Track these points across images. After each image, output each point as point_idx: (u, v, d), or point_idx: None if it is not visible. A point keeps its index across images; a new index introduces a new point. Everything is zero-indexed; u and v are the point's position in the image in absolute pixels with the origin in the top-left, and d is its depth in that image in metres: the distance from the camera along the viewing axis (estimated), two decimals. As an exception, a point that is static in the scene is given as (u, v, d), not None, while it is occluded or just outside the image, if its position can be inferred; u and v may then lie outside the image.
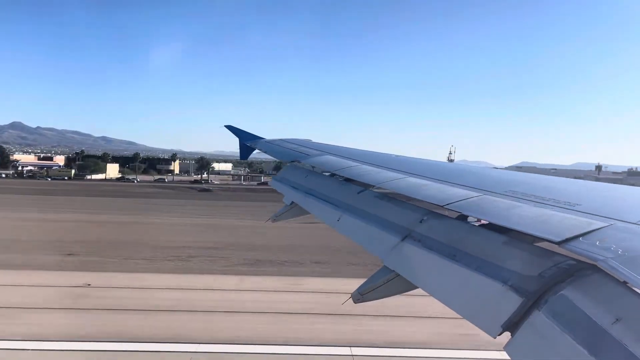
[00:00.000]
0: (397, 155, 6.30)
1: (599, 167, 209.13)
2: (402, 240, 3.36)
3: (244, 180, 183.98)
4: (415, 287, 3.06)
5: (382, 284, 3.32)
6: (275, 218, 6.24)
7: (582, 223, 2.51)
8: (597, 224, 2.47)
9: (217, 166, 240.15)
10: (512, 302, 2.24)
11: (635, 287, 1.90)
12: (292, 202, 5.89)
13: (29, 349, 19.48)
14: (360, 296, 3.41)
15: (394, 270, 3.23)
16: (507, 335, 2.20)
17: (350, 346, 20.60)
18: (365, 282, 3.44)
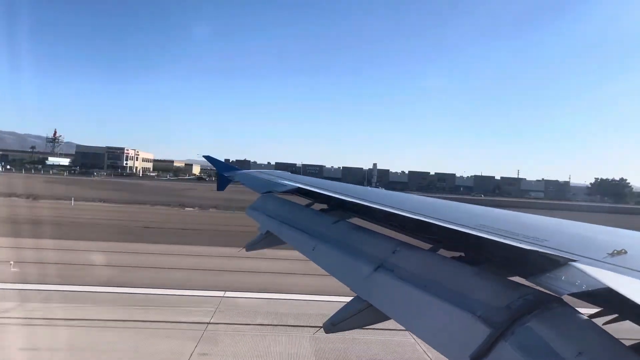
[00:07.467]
0: (371, 188, 6.39)
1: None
2: (375, 270, 3.37)
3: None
4: (388, 318, 3.06)
5: (355, 314, 3.30)
6: (250, 247, 6.18)
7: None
8: (563, 259, 2.55)
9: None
10: (480, 333, 2.26)
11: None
12: (267, 231, 5.86)
13: None
14: (332, 326, 3.39)
15: (366, 301, 3.22)
16: None
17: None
18: (338, 312, 3.42)
